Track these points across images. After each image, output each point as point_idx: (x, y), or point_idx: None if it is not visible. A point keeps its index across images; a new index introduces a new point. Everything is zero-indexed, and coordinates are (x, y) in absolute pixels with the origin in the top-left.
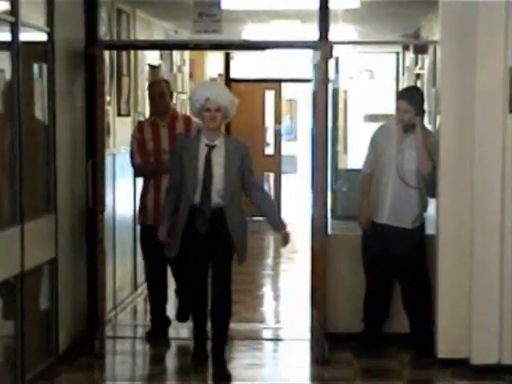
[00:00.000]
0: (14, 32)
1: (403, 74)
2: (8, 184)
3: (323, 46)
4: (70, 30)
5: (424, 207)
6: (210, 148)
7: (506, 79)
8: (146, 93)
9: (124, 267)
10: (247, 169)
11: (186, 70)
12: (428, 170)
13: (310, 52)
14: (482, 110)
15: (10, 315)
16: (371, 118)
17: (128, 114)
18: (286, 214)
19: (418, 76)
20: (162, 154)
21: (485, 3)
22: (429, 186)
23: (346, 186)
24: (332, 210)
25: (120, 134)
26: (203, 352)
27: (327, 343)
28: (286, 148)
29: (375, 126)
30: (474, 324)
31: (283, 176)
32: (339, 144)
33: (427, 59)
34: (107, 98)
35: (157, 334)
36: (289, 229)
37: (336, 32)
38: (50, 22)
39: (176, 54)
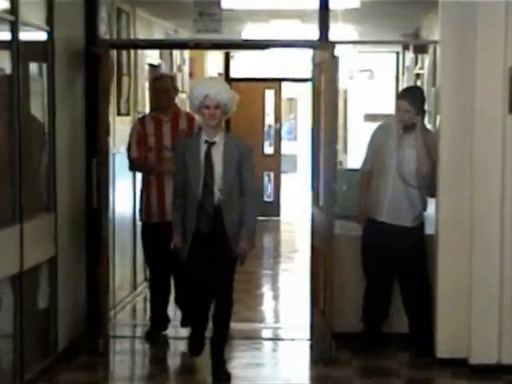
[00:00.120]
0: (14, 31)
1: (403, 73)
2: (7, 183)
3: (328, 45)
4: (70, 29)
5: (423, 206)
6: (210, 144)
7: (506, 79)
8: (147, 91)
9: (123, 267)
10: (244, 169)
11: (186, 69)
12: (427, 170)
13: (309, 51)
14: (482, 109)
15: (9, 314)
16: (371, 117)
17: (128, 114)
18: (285, 214)
19: (417, 76)
20: (164, 150)
21: (484, 3)
22: (428, 186)
23: (345, 185)
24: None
25: (120, 133)
26: (201, 343)
27: (334, 343)
28: (286, 147)
29: (375, 125)
30: (473, 324)
31: (283, 175)
32: (339, 143)
33: (427, 59)
34: None
35: (156, 334)
36: (249, 250)
37: (336, 32)
38: (50, 20)
39: (176, 53)
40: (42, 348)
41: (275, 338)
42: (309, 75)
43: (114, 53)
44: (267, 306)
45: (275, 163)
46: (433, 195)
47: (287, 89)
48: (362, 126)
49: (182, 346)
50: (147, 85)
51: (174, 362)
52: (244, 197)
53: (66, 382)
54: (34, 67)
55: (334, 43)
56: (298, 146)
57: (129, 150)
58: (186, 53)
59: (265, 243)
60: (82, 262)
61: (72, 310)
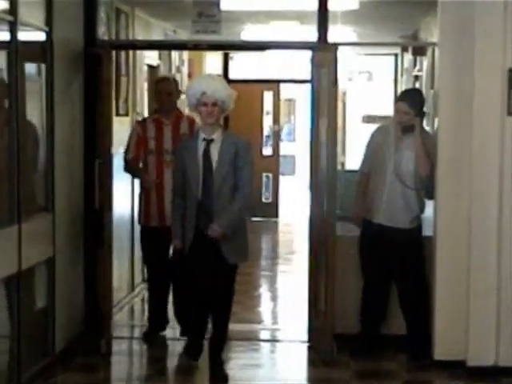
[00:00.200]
0: (13, 31)
1: (402, 75)
2: (6, 183)
3: (328, 47)
4: (69, 29)
5: (421, 208)
6: (208, 142)
7: (504, 81)
8: (146, 91)
9: (121, 268)
10: (240, 165)
11: (185, 70)
12: (426, 172)
13: (308, 53)
14: (481, 111)
15: (6, 315)
16: (370, 119)
17: (126, 114)
18: (284, 215)
19: (416, 78)
20: (164, 153)
21: (483, 5)
22: (427, 188)
23: (343, 187)
24: None
25: (118, 134)
26: (199, 347)
27: (335, 344)
28: (285, 148)
29: (373, 127)
30: (470, 326)
31: (281, 178)
32: (337, 145)
33: (426, 61)
34: None
35: (153, 335)
36: (218, 234)
37: (335, 33)
38: (49, 21)
39: (175, 54)
40: (40, 349)
41: (273, 340)
42: (308, 76)
43: (112, 53)
44: (265, 307)
45: (274, 165)
46: (431, 197)
47: (286, 90)
48: (360, 127)
49: (180, 347)
50: (146, 85)
51: (171, 362)
52: (235, 192)
53: (64, 383)
54: (32, 67)
55: (333, 45)
56: (296, 147)
57: (126, 151)
58: (185, 54)
59: (263, 244)
60: (80, 263)
61: (70, 310)
